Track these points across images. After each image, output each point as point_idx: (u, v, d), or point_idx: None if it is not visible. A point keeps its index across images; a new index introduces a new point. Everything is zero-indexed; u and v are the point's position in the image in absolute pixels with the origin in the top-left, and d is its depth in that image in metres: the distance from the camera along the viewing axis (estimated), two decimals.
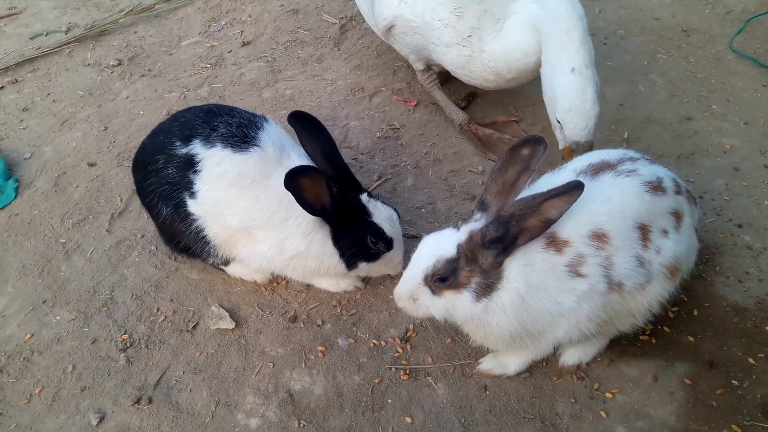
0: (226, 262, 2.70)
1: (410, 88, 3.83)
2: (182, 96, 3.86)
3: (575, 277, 2.03)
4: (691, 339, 2.46)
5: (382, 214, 2.48)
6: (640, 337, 2.45)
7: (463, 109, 3.61)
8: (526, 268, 2.02)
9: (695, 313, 2.55)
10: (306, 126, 2.54)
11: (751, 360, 2.38)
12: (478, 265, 2.03)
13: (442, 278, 2.05)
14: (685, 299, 2.58)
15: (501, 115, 3.60)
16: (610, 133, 3.42)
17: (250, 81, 3.95)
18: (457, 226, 2.13)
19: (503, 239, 1.98)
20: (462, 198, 3.12)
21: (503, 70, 3.00)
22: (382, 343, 2.53)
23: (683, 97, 3.64)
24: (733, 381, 2.32)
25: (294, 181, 2.20)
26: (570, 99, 2.63)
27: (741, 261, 2.74)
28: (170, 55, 4.29)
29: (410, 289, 2.12)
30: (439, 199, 3.13)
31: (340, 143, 3.47)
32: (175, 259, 2.91)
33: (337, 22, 4.42)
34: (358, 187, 2.54)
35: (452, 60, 3.14)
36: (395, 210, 2.56)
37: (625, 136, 3.40)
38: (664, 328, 2.49)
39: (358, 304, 2.68)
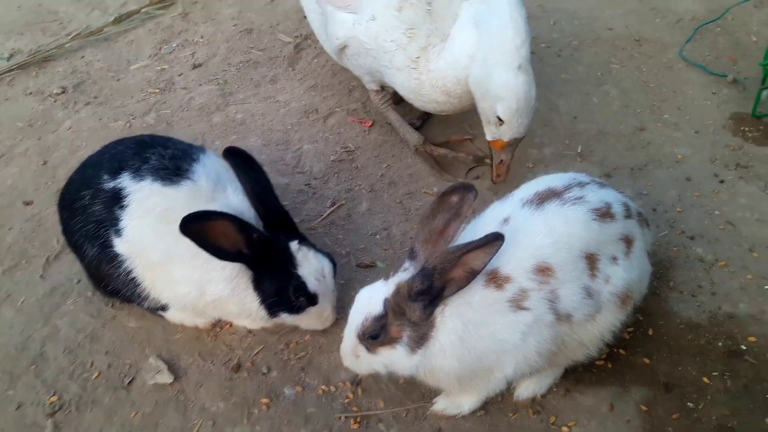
0: (164, 308, 2.57)
1: (365, 109, 3.79)
2: (128, 124, 3.76)
3: (518, 311, 1.99)
4: (647, 360, 2.45)
5: (310, 266, 2.37)
6: (596, 362, 2.42)
7: (417, 129, 3.57)
8: (462, 308, 1.99)
9: (650, 332, 2.54)
10: (239, 163, 2.45)
11: (705, 379, 2.37)
12: (407, 318, 1.99)
13: (373, 336, 2.02)
14: (640, 318, 2.57)
15: (455, 134, 3.58)
16: (564, 148, 3.42)
17: (199, 106, 3.87)
18: (387, 278, 2.09)
19: (429, 291, 1.95)
20: (417, 222, 3.08)
21: (452, 86, 2.87)
22: (332, 388, 2.44)
23: (636, 108, 3.65)
24: (688, 403, 2.31)
25: (189, 227, 2.08)
26: (518, 98, 2.59)
27: (694, 274, 2.74)
28: (118, 80, 4.19)
29: (350, 348, 2.09)
30: (394, 224, 3.09)
31: (293, 168, 3.42)
32: (112, 305, 2.76)
33: (292, 41, 4.36)
34: (292, 231, 2.44)
35: (403, 84, 3.06)
36: (331, 260, 2.46)
37: (579, 150, 3.39)
38: (620, 350, 2.48)
39: (307, 345, 2.59)
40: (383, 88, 3.47)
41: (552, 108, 3.67)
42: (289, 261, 2.35)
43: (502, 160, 2.89)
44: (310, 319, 2.48)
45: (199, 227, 2.10)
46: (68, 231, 2.48)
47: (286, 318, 2.44)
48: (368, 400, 2.41)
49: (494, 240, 1.89)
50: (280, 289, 2.35)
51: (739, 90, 3.71)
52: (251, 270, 2.35)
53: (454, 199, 2.08)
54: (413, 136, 3.44)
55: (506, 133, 2.73)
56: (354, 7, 3.05)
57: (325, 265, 2.42)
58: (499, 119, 2.68)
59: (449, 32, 2.84)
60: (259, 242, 2.24)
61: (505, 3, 2.58)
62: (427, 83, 2.94)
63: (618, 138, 3.46)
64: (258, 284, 2.36)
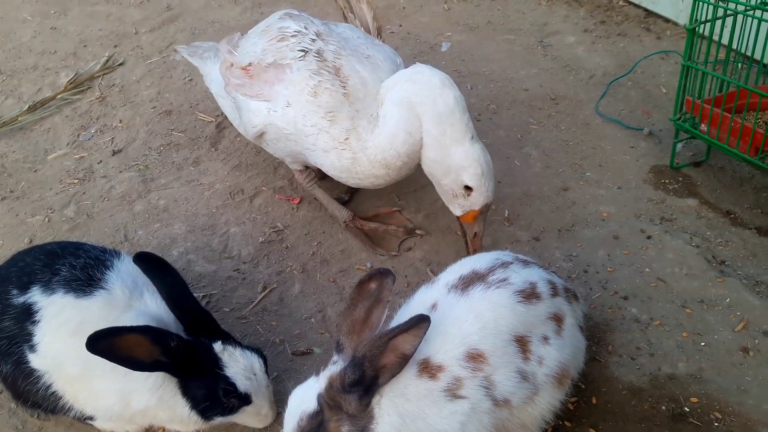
0: (91, 417, 2.45)
1: (292, 185, 3.75)
2: (47, 219, 3.62)
3: (455, 400, 1.95)
4: (593, 431, 2.42)
5: (238, 365, 2.28)
6: None
7: (346, 202, 3.55)
8: (397, 399, 1.94)
9: (594, 400, 2.53)
10: (151, 268, 2.37)
11: None
12: (344, 412, 1.93)
13: None
14: (583, 386, 2.55)
15: (383, 206, 3.56)
16: (492, 213, 3.42)
17: (120, 194, 3.76)
18: (317, 374, 2.03)
19: (361, 381, 1.89)
20: (338, 315, 3.02)
21: (392, 159, 2.88)
22: None
23: (558, 167, 3.71)
24: None
25: (96, 345, 1.99)
26: (481, 163, 2.72)
27: (631, 336, 2.75)
28: (35, 171, 4.05)
29: None
30: (329, 305, 3.03)
31: (220, 254, 3.33)
32: (38, 416, 2.61)
33: (213, 120, 4.32)
34: (214, 330, 2.36)
35: (333, 164, 3.02)
36: (260, 355, 2.38)
37: (506, 215, 3.42)
38: (566, 422, 2.44)
39: None
40: (307, 167, 3.44)
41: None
42: (215, 363, 2.26)
43: (476, 233, 2.94)
44: (248, 418, 2.39)
45: (107, 344, 2.02)
46: None
47: (222, 421, 2.35)
48: None
49: (419, 322, 1.85)
50: (210, 393, 2.26)
51: (655, 142, 3.82)
52: (175, 377, 2.26)
53: (373, 285, 2.05)
54: (342, 213, 3.41)
55: (477, 201, 2.80)
56: (266, 96, 3.06)
57: (254, 361, 2.34)
58: (467, 188, 2.76)
59: (376, 112, 2.90)
60: (179, 349, 2.16)
61: (438, 83, 2.72)
62: (364, 159, 2.93)
63: (543, 200, 3.51)
64: (186, 390, 2.27)
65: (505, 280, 2.14)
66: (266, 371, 2.39)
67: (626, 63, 4.49)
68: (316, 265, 3.25)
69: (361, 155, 2.93)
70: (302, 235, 3.43)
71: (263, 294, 3.10)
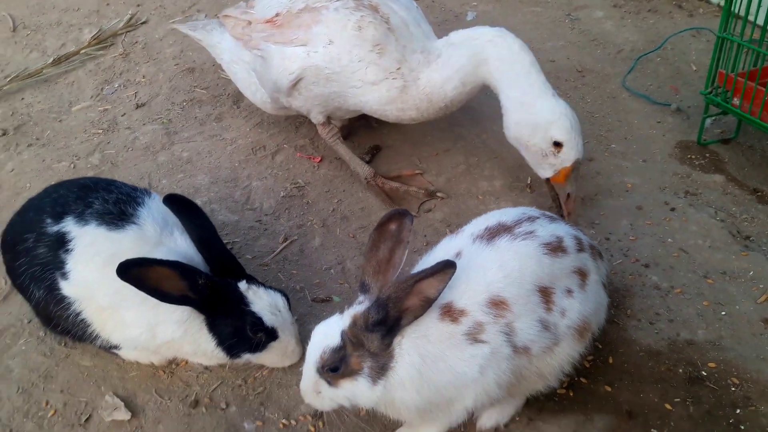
0: (117, 346, 2.49)
1: (314, 144, 3.75)
2: (72, 165, 3.65)
3: (475, 344, 1.95)
4: (608, 388, 2.41)
5: (263, 302, 2.32)
6: (558, 392, 2.38)
7: (367, 163, 3.54)
8: (419, 341, 1.94)
9: (610, 360, 2.51)
10: (181, 210, 2.39)
11: (668, 406, 2.34)
12: (366, 349, 1.95)
13: (333, 368, 1.96)
14: (600, 347, 2.54)
15: (406, 168, 3.55)
16: (514, 180, 3.42)
17: (144, 145, 3.78)
18: (342, 312, 2.04)
19: (385, 321, 1.90)
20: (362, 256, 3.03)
21: (437, 99, 3.01)
22: (293, 422, 2.36)
23: (583, 138, 3.67)
24: (652, 430, 2.27)
25: (128, 273, 2.04)
26: (568, 119, 2.78)
27: (651, 302, 2.74)
28: (60, 121, 4.08)
29: (310, 384, 2.02)
30: (348, 258, 3.03)
31: (243, 205, 3.34)
32: (65, 344, 2.67)
33: None
34: (239, 272, 2.39)
35: (381, 96, 3.07)
36: (283, 295, 2.41)
37: (528, 182, 3.40)
38: (582, 379, 2.44)
39: (266, 380, 2.51)
40: (330, 121, 3.43)
41: (500, 141, 3.64)
42: (240, 301, 2.30)
43: (569, 194, 2.92)
44: (274, 356, 2.42)
45: (137, 273, 2.06)
46: (13, 273, 2.43)
47: (249, 358, 2.38)
48: None
49: (446, 267, 1.86)
50: (237, 330, 2.29)
51: (683, 118, 3.79)
52: (201, 314, 2.29)
53: (392, 227, 2.05)
54: (364, 169, 3.41)
55: (568, 156, 2.82)
56: (302, 40, 3.07)
57: (278, 299, 2.37)
58: (556, 145, 2.80)
59: (422, 49, 3.02)
60: (206, 286, 2.19)
61: (517, 48, 2.86)
62: (413, 89, 3.02)
63: None
64: (212, 327, 2.31)
65: (531, 232, 2.13)
66: (290, 309, 2.42)
67: (656, 39, 4.44)
68: (336, 220, 3.26)
69: (411, 85, 3.01)
70: (323, 192, 3.43)
71: (284, 244, 3.11)
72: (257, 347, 2.33)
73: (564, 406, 2.37)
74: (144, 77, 4.44)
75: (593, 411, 2.35)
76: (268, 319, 2.31)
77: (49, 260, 2.29)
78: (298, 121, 3.89)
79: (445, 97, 3.00)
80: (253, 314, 2.29)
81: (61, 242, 2.28)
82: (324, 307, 2.79)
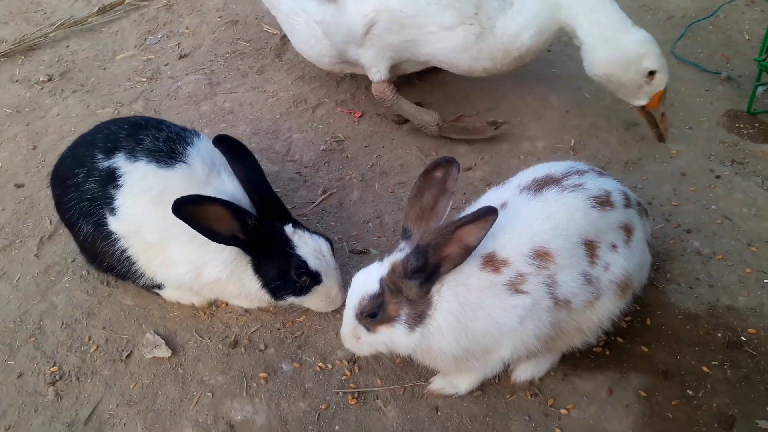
0: (160, 285, 2.54)
1: (354, 99, 3.74)
2: (116, 111, 3.70)
3: (516, 294, 1.95)
4: (645, 349, 2.40)
5: (308, 246, 2.34)
6: (594, 349, 2.38)
7: (404, 122, 3.52)
8: (459, 289, 1.95)
9: (648, 322, 2.50)
10: (230, 151, 2.42)
11: (704, 368, 2.33)
12: (404, 296, 1.96)
13: (372, 314, 1.98)
14: (638, 308, 2.52)
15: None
16: (557, 141, 3.39)
17: (187, 94, 3.81)
18: (382, 260, 2.06)
19: (424, 268, 1.91)
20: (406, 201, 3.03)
21: (513, 49, 2.96)
22: (329, 366, 2.40)
23: (628, 103, 3.61)
24: (688, 391, 2.27)
25: (182, 210, 2.06)
26: (654, 45, 2.83)
27: (691, 267, 2.71)
28: (104, 69, 4.13)
29: (350, 330, 2.05)
30: (386, 213, 3.04)
31: (283, 157, 3.36)
32: (107, 283, 2.74)
33: (278, 32, 4.31)
34: (285, 216, 2.41)
35: (455, 44, 2.99)
36: (327, 240, 2.43)
37: (572, 144, 3.36)
38: (618, 338, 2.43)
39: (303, 325, 2.55)
40: (391, 80, 3.33)
41: (544, 102, 3.65)
42: (286, 244, 2.32)
43: (663, 113, 3.08)
44: (317, 300, 2.45)
45: (191, 210, 2.08)
46: (62, 207, 2.47)
47: (293, 301, 2.41)
48: (365, 377, 2.37)
49: (487, 214, 1.84)
50: (283, 272, 2.32)
51: (732, 87, 3.69)
52: (249, 255, 2.32)
53: (438, 174, 2.05)
54: (432, 116, 3.37)
55: (662, 80, 2.89)
56: None
57: (322, 244, 2.39)
58: (650, 73, 2.86)
59: None
60: (254, 228, 2.22)
61: None
62: (489, 37, 2.95)
63: (611, 132, 3.44)
64: (258, 270, 2.34)
65: (580, 185, 2.11)
66: (333, 255, 2.43)
67: (708, 7, 4.32)
68: (375, 175, 3.26)
69: (488, 33, 2.94)
70: (362, 147, 3.43)
71: (323, 197, 3.12)
72: (301, 291, 2.36)
73: (600, 363, 2.37)
74: (187, 28, 4.45)
75: (629, 369, 2.35)
76: (313, 263, 2.33)
77: (98, 195, 2.32)
78: (339, 77, 3.88)
79: (521, 47, 2.94)
80: (298, 257, 2.30)
81: (111, 178, 2.31)
82: (361, 258, 2.81)
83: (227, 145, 2.42)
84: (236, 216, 2.16)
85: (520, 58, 3.01)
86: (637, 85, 2.89)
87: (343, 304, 2.22)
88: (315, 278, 2.35)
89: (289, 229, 2.35)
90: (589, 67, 2.97)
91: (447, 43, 3.00)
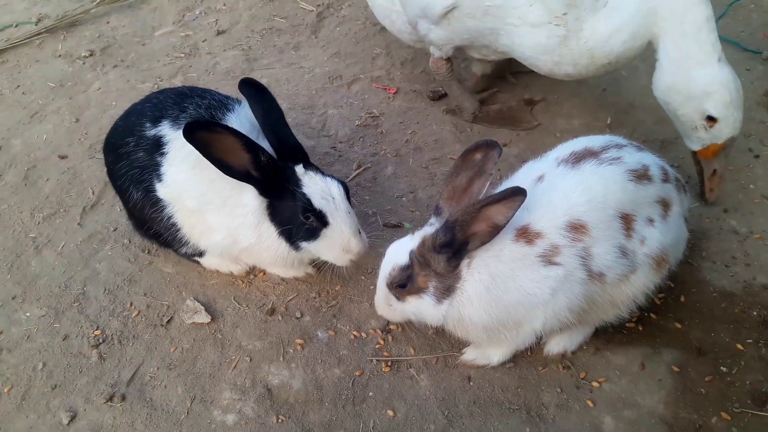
0: (200, 254, 2.62)
1: (389, 76, 3.76)
2: (155, 86, 3.77)
3: (549, 266, 1.96)
4: (679, 325, 2.41)
5: (315, 186, 2.30)
6: (627, 325, 2.39)
7: (442, 96, 3.54)
8: (490, 260, 1.97)
9: (682, 299, 2.50)
10: (253, 93, 2.43)
11: (739, 346, 2.33)
12: (432, 269, 2.00)
13: (401, 285, 2.03)
14: (672, 285, 2.52)
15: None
16: (593, 119, 3.37)
17: (225, 70, 3.87)
18: (413, 233, 2.09)
19: (451, 244, 1.94)
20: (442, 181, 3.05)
21: (601, 55, 2.69)
22: (363, 335, 2.46)
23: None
24: (721, 368, 2.27)
25: (193, 135, 2.08)
26: (729, 91, 2.48)
27: (727, 246, 2.69)
28: (143, 45, 4.19)
29: (382, 297, 2.11)
30: (420, 188, 3.07)
31: (319, 132, 3.40)
32: (148, 252, 2.82)
33: (314, 9, 4.34)
34: (301, 158, 2.38)
35: (537, 43, 2.76)
36: (341, 183, 2.37)
37: (608, 122, 3.34)
38: (651, 315, 2.44)
39: (338, 295, 2.61)
40: (450, 60, 3.26)
41: (580, 80, 3.62)
42: (296, 183, 2.31)
43: (715, 171, 2.70)
44: (331, 248, 2.36)
45: (203, 137, 2.10)
46: (113, 175, 2.53)
47: (307, 247, 2.37)
48: (398, 347, 2.42)
49: (514, 194, 1.85)
50: (292, 215, 2.31)
51: None
52: (262, 195, 2.32)
53: (478, 156, 2.06)
54: (473, 103, 3.36)
55: (722, 132, 2.54)
56: None
57: (333, 186, 2.34)
58: (710, 119, 2.52)
59: None
60: (267, 165, 2.22)
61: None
62: (573, 42, 2.70)
63: (647, 111, 3.40)
64: (273, 215, 2.35)
65: (618, 158, 2.11)
66: (348, 199, 2.38)
67: None
68: (409, 151, 3.28)
69: (572, 36, 2.68)
70: (397, 123, 3.45)
71: (358, 171, 3.16)
72: (311, 234, 2.33)
73: (632, 338, 2.38)
74: (224, 5, 4.49)
75: (662, 345, 2.36)
76: (318, 202, 2.28)
77: (146, 163, 2.39)
78: (375, 53, 3.91)
79: (610, 53, 2.66)
80: (303, 195, 2.28)
81: (157, 145, 2.37)
82: (395, 232, 2.85)
83: (250, 87, 2.45)
84: (248, 149, 2.17)
85: (608, 65, 2.74)
86: (691, 124, 2.59)
87: (361, 253, 2.33)
88: (320, 218, 2.30)
89: (300, 169, 2.34)
90: (653, 87, 2.68)
91: (528, 40, 2.79)
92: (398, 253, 2.06)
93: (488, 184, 2.05)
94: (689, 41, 2.48)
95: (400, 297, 2.06)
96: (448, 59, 3.23)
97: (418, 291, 2.03)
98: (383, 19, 3.44)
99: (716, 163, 2.66)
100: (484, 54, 3.14)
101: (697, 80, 2.49)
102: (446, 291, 2.00)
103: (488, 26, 2.85)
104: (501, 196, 1.85)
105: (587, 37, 2.66)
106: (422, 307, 2.04)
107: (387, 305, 2.11)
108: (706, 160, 2.68)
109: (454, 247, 1.95)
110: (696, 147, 2.67)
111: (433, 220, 2.08)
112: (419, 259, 2.01)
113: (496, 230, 1.91)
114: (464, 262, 1.98)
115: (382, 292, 2.11)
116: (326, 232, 2.33)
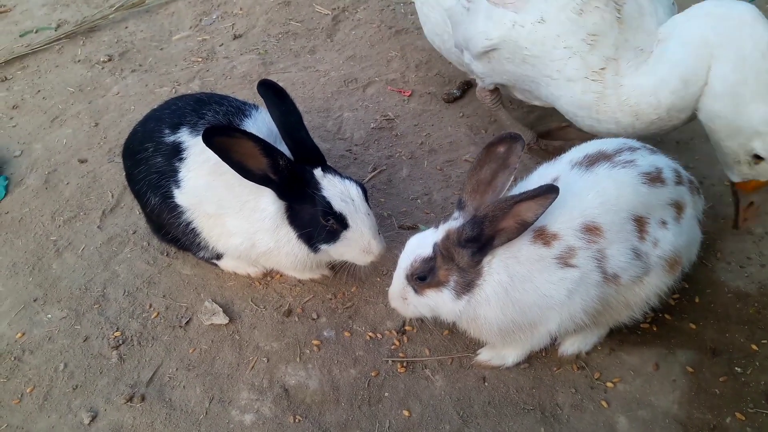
0: (218, 256, 2.66)
1: (404, 79, 3.79)
2: (173, 90, 3.82)
3: (565, 268, 1.98)
4: (693, 326, 2.42)
5: (335, 188, 2.32)
6: (641, 325, 2.41)
7: (459, 97, 3.55)
8: (509, 261, 1.99)
9: (697, 299, 2.51)
10: (270, 95, 2.43)
11: (754, 346, 2.33)
12: (455, 264, 2.01)
13: (422, 277, 2.04)
14: (686, 286, 2.53)
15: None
16: None
17: (241, 74, 3.91)
18: (437, 226, 2.10)
19: (478, 239, 1.95)
20: (458, 188, 3.07)
21: (647, 108, 2.46)
22: (379, 335, 2.49)
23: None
24: (736, 368, 2.28)
25: (211, 139, 2.10)
26: None
27: (742, 246, 2.70)
28: (161, 49, 4.24)
29: (398, 289, 2.12)
30: (434, 190, 3.09)
31: (334, 135, 3.43)
32: (167, 254, 2.86)
33: (330, 13, 4.38)
34: (319, 161, 2.40)
35: (572, 98, 2.62)
36: (359, 185, 2.39)
37: None
38: (665, 315, 2.45)
39: (354, 296, 2.64)
40: (497, 89, 3.15)
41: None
42: (315, 186, 2.32)
43: (752, 202, 2.54)
44: (351, 249, 2.39)
45: (221, 141, 2.12)
46: (132, 179, 2.57)
47: (327, 250, 2.39)
48: (413, 348, 2.44)
49: (548, 191, 1.87)
50: (312, 218, 2.33)
51: None
52: (281, 199, 2.34)
53: (501, 149, 2.06)
54: (527, 134, 3.24)
55: (766, 173, 2.37)
56: (517, 6, 2.62)
57: (351, 188, 2.36)
58: (756, 157, 2.33)
59: (646, 47, 2.47)
60: (285, 168, 2.23)
61: (749, 19, 2.24)
62: (612, 99, 2.52)
63: None
64: (292, 219, 2.37)
65: (631, 161, 2.12)
66: (366, 201, 2.40)
67: None
68: (424, 153, 3.31)
69: (610, 93, 2.50)
70: (411, 125, 3.48)
71: (373, 174, 3.19)
72: (332, 237, 2.34)
73: (647, 339, 2.39)
74: (241, 9, 4.54)
75: (676, 346, 2.37)
76: (337, 204, 2.30)
77: (165, 169, 2.43)
78: (389, 56, 3.94)
79: (658, 107, 2.42)
80: (323, 198, 2.30)
81: (176, 151, 2.41)
82: (410, 234, 2.84)
83: (268, 89, 2.45)
84: (267, 153, 2.18)
85: (659, 122, 2.50)
86: (735, 158, 2.38)
87: (381, 253, 2.35)
88: (341, 221, 2.32)
89: (318, 172, 2.35)
90: (698, 109, 2.40)
91: (565, 93, 2.64)
92: (420, 245, 2.08)
93: (512, 178, 2.05)
94: (748, 70, 2.22)
95: (418, 290, 2.08)
96: (495, 89, 3.13)
97: (439, 284, 2.04)
98: (433, 36, 3.32)
99: (754, 195, 2.52)
100: (527, 98, 3.00)
101: (750, 116, 2.25)
102: (466, 287, 2.02)
103: (526, 74, 2.74)
104: (534, 193, 1.87)
105: (628, 93, 2.47)
106: (441, 301, 2.06)
107: (401, 298, 2.13)
108: (744, 193, 2.52)
109: (480, 242, 1.96)
110: (736, 179, 2.49)
111: (456, 214, 2.09)
112: (443, 252, 2.02)
113: (523, 227, 1.93)
114: (486, 259, 2.00)
115: (399, 284, 2.12)
116: (347, 234, 2.35)
